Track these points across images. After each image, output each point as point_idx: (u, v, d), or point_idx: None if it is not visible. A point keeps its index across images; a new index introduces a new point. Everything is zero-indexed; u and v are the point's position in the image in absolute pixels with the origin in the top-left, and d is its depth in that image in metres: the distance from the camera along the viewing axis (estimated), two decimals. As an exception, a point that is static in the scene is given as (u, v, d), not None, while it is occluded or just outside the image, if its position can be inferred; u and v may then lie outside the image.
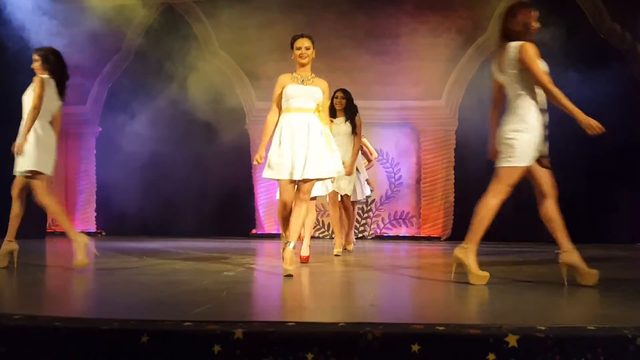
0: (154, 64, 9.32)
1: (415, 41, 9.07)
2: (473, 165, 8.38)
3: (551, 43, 7.33)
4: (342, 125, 6.07)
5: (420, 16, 9.04)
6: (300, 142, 4.15)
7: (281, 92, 4.31)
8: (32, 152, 4.44)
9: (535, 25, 3.64)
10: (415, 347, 2.01)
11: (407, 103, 9.22)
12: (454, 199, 9.17)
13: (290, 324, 2.18)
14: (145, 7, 9.30)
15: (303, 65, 4.33)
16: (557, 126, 6.62)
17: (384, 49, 9.21)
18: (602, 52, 8.21)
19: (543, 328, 2.08)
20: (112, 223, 9.65)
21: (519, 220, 7.87)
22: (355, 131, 6.10)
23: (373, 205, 9.37)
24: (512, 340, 2.01)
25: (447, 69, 9.16)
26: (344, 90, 6.20)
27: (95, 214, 9.92)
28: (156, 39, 9.46)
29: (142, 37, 9.61)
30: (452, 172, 9.18)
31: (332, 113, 5.92)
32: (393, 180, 9.41)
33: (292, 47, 4.34)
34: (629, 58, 8.33)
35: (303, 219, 4.24)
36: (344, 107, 6.13)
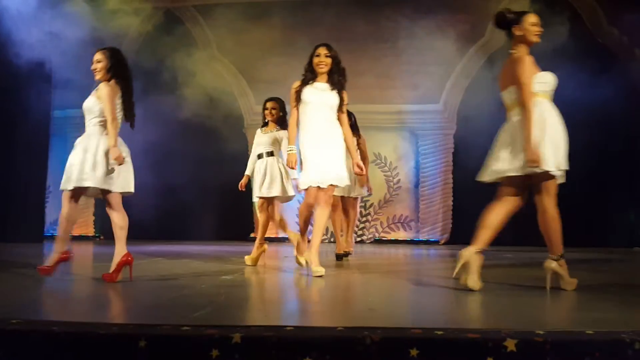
0: (152, 68, 9.33)
1: (414, 45, 9.08)
2: (471, 169, 8.36)
3: (549, 47, 7.37)
4: None
5: (418, 20, 9.05)
6: None
7: None
8: None
9: None
10: (413, 352, 2.01)
11: (405, 107, 9.24)
12: (452, 203, 9.17)
13: (288, 328, 2.17)
14: (144, 11, 9.31)
15: None
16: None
17: (382, 53, 9.24)
18: (600, 56, 8.23)
19: (541, 332, 2.08)
20: (111, 227, 9.63)
21: (515, 225, 7.90)
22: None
23: (372, 209, 9.38)
24: (510, 344, 2.01)
25: (446, 73, 9.18)
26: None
27: (93, 218, 9.91)
28: (154, 43, 9.46)
29: (140, 41, 9.61)
30: (451, 175, 9.20)
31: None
32: (392, 184, 9.41)
33: None
34: (626, 62, 8.35)
35: None
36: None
